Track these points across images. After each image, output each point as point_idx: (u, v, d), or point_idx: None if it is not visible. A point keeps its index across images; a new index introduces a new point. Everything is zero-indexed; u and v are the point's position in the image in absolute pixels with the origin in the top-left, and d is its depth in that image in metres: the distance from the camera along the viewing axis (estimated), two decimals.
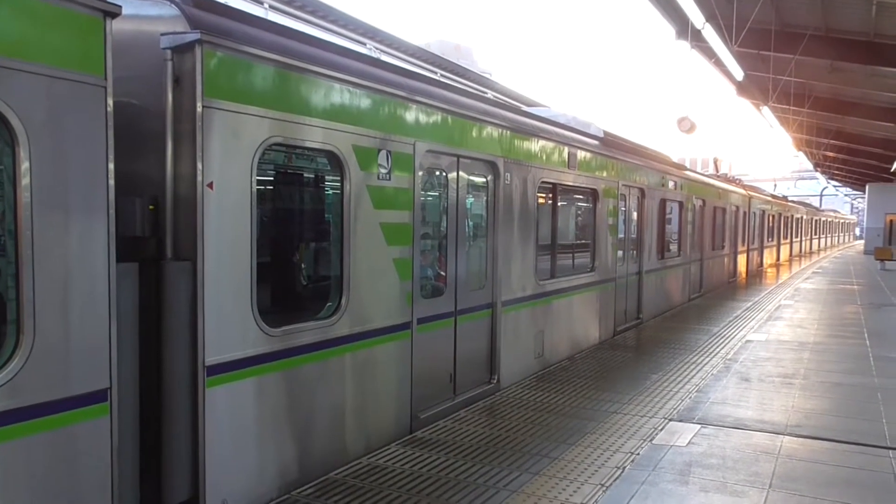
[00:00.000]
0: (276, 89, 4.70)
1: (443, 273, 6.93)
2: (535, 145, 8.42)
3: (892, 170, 21.22)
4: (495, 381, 7.65)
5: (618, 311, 11.66)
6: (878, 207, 40.62)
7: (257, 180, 4.59)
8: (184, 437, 4.21)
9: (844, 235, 78.75)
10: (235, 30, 4.52)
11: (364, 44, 14.92)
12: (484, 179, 7.52)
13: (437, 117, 6.47)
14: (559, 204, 9.50)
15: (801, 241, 43.08)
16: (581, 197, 10.56)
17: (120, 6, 3.64)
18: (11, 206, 3.27)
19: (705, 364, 9.28)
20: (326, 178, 5.78)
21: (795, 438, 6.22)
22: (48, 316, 3.37)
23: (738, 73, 15.61)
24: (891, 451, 5.92)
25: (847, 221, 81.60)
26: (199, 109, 4.16)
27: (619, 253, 11.61)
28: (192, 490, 4.24)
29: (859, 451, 5.91)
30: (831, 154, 33.89)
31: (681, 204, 15.49)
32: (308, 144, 5.06)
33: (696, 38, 14.49)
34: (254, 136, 4.53)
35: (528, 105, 17.71)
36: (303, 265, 5.93)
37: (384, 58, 13.37)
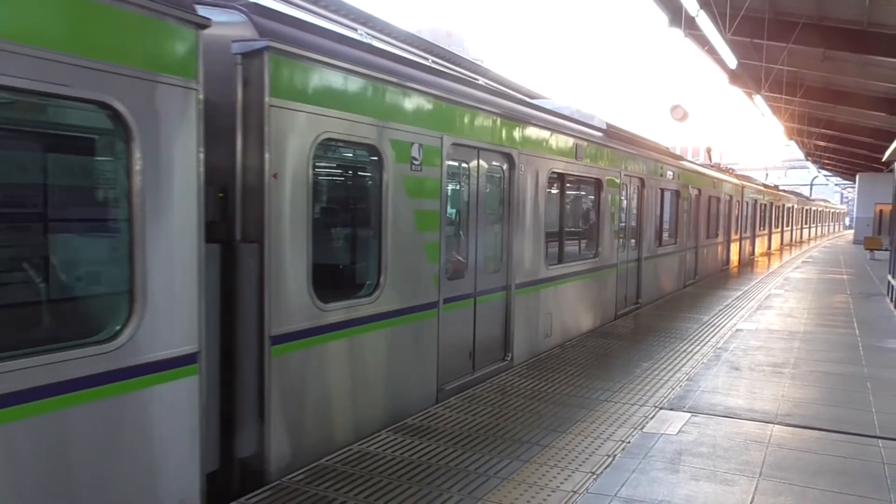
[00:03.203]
0: (329, 90, 5.25)
1: (464, 258, 7.39)
2: (546, 137, 8.92)
3: (882, 159, 21.19)
4: (509, 359, 8.16)
5: (619, 295, 12.12)
6: (868, 197, 40.63)
7: (312, 171, 5.10)
8: (252, 399, 4.75)
9: (835, 225, 79.10)
10: (295, 36, 5.04)
11: (356, 29, 14.79)
12: (501, 170, 8.02)
13: (461, 113, 7.02)
14: (566, 193, 10.03)
15: (791, 230, 43.25)
16: (586, 186, 11.05)
17: (210, 19, 4.14)
18: (126, 192, 3.78)
19: (696, 353, 9.30)
20: (368, 169, 6.20)
21: (785, 427, 6.24)
22: (156, 287, 3.89)
23: (732, 62, 15.56)
24: (880, 441, 5.95)
25: (837, 211, 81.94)
26: (265, 108, 4.67)
27: (620, 240, 12.05)
28: (258, 446, 4.77)
29: (848, 441, 5.94)
30: (822, 143, 33.94)
31: (678, 193, 15.89)
32: (354, 139, 5.61)
33: (690, 26, 14.44)
34: (311, 131, 5.06)
35: (521, 93, 17.62)
36: (348, 248, 6.40)
37: (376, 43, 13.27)
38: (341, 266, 6.28)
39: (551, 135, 9.06)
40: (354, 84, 5.50)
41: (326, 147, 5.51)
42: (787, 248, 38.78)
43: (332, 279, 5.73)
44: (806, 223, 51.98)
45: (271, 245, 4.75)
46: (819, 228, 63.11)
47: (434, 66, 14.05)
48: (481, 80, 17.74)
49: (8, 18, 3.19)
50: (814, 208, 58.09)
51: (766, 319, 12.29)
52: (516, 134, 8.12)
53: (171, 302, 4.00)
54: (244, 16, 4.79)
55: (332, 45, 5.37)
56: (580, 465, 5.20)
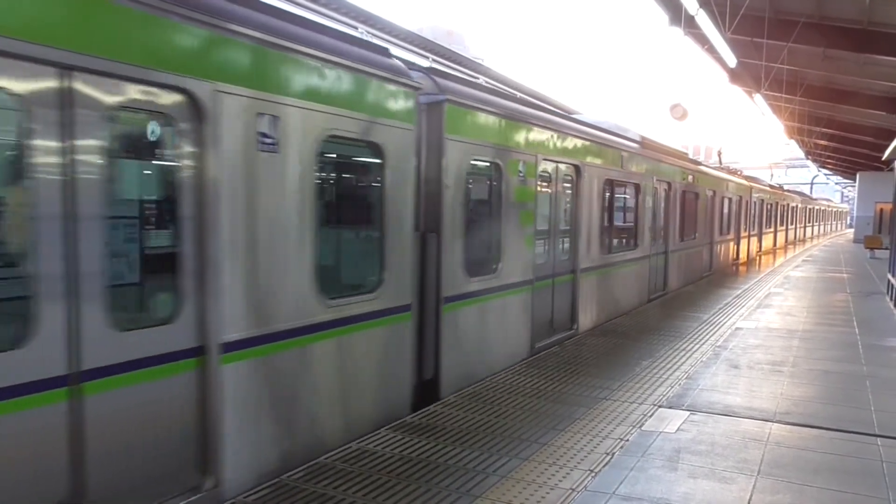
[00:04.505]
0: (477, 127, 7.37)
1: (546, 246, 9.34)
2: (601, 150, 10.96)
3: (882, 158, 21.15)
4: (575, 328, 10.23)
5: (651, 282, 14.21)
6: (868, 196, 40.43)
7: (465, 183, 7.19)
8: (432, 340, 6.86)
9: (837, 223, 78.95)
10: (459, 90, 7.14)
11: (356, 27, 14.78)
12: (571, 179, 10.02)
13: (549, 135, 9.08)
14: (614, 195, 12.01)
15: (795, 228, 43.34)
16: (628, 189, 12.88)
17: (422, 84, 6.44)
18: (380, 198, 5.92)
19: (695, 351, 9.31)
20: (493, 182, 8.01)
21: (784, 425, 6.25)
22: (393, 261, 6.04)
23: (731, 60, 15.57)
24: (878, 439, 5.96)
25: (839, 210, 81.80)
26: (443, 141, 6.76)
27: (652, 236, 14.04)
28: (434, 372, 6.89)
29: (847, 439, 5.95)
30: (823, 142, 33.88)
31: (697, 194, 17.45)
32: (488, 161, 7.68)
33: (690, 25, 14.43)
34: (467, 156, 7.19)
35: (524, 93, 17.61)
36: (482, 237, 7.90)
37: (376, 41, 13.25)
38: (479, 252, 7.83)
39: (604, 148, 11.06)
40: (490, 122, 7.61)
41: (472, 165, 7.39)
42: (791, 245, 38.75)
43: (472, 259, 7.46)
44: (809, 222, 52.00)
45: (445, 235, 6.78)
46: (821, 227, 63.09)
47: (435, 64, 14.04)
48: (482, 80, 17.75)
49: (345, 100, 5.38)
50: (816, 207, 58.06)
51: (766, 318, 12.30)
52: (582, 149, 10.15)
53: (399, 270, 6.14)
54: (426, 75, 6.85)
55: (477, 94, 7.52)
56: (579, 463, 5.21)
